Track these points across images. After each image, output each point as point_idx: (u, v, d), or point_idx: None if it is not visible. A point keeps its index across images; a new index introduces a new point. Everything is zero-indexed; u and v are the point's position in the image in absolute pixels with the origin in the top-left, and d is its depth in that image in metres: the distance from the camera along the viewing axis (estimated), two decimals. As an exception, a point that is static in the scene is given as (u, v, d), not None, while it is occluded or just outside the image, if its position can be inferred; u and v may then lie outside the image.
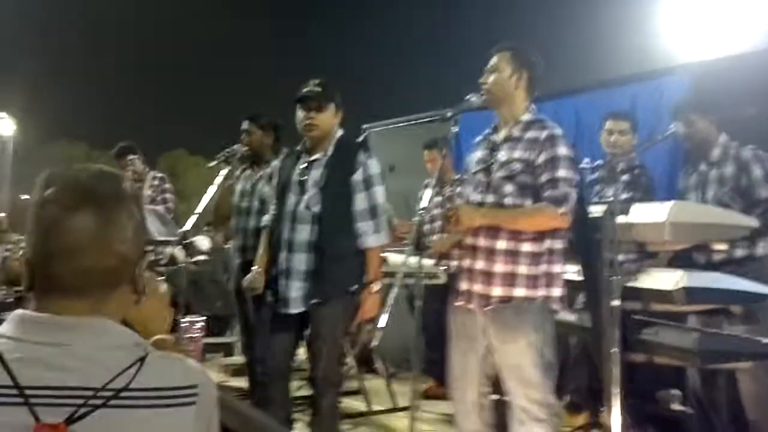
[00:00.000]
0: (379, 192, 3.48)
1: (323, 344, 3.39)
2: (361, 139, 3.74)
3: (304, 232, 3.41)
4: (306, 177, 3.48)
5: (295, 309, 3.41)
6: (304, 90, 3.51)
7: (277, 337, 3.50)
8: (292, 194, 3.49)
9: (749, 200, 3.66)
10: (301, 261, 3.40)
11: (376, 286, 3.42)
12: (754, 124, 3.91)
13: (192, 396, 1.30)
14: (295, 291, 3.40)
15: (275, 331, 3.50)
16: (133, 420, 1.18)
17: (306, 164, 3.51)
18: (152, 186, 6.02)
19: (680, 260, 3.52)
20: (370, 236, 3.43)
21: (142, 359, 1.22)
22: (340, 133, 3.57)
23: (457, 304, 3.10)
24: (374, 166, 3.50)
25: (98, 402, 1.15)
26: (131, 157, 5.97)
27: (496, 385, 3.12)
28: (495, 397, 3.15)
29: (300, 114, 3.51)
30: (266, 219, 3.71)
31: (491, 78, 3.05)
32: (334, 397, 3.54)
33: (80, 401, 1.14)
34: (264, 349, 3.62)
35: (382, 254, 3.58)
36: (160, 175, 6.18)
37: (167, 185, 6.07)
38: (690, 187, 3.99)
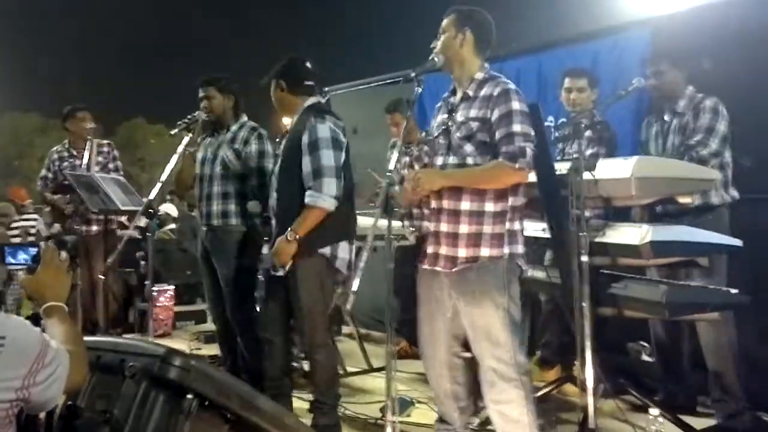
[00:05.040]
0: (326, 155, 3.48)
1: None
2: (319, 102, 3.71)
3: (273, 199, 3.67)
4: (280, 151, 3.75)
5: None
6: None
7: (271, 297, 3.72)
8: (274, 167, 3.78)
9: (686, 140, 3.68)
10: (275, 226, 3.63)
11: (291, 235, 3.40)
12: (710, 78, 3.92)
13: None
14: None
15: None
16: None
17: (279, 139, 3.84)
18: (102, 153, 6.24)
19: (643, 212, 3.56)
20: (310, 195, 3.46)
21: None
22: (309, 102, 3.69)
23: (423, 266, 3.13)
24: (323, 130, 3.51)
25: None
26: (79, 114, 6.19)
27: (467, 344, 3.16)
28: (467, 355, 3.18)
29: None
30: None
31: (439, 41, 3.09)
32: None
33: None
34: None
35: (320, 214, 3.47)
36: (106, 141, 6.40)
37: (116, 152, 6.36)
38: (651, 137, 4.00)
